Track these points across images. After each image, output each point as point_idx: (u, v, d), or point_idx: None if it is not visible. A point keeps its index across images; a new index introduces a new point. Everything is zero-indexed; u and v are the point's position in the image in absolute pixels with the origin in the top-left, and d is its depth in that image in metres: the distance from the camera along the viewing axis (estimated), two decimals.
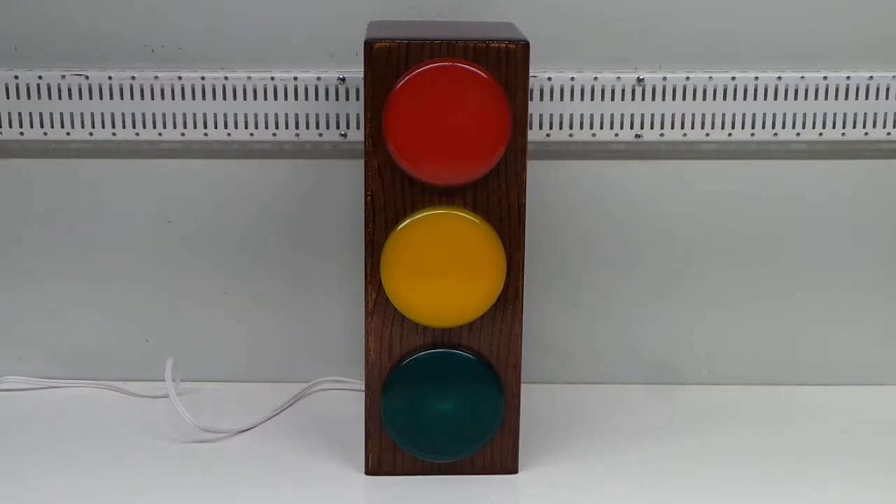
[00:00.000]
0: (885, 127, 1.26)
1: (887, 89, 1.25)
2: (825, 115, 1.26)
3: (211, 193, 1.29)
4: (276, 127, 1.25)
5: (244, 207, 1.29)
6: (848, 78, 1.25)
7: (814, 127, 1.26)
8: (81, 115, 1.24)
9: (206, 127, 1.25)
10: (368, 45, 1.05)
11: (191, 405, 1.23)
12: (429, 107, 1.05)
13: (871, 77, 1.25)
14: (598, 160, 1.28)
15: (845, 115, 1.26)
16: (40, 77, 1.23)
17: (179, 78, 1.24)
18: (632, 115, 1.25)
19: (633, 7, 1.24)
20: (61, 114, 1.24)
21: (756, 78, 1.24)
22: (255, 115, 1.25)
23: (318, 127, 1.25)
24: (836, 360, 1.35)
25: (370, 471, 1.15)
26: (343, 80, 1.24)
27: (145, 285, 1.32)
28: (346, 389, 1.32)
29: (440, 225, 1.09)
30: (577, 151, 1.28)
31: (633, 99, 1.25)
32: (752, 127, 1.26)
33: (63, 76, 1.23)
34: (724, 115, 1.25)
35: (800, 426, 1.26)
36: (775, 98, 1.25)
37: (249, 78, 1.24)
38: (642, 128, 1.26)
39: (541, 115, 1.25)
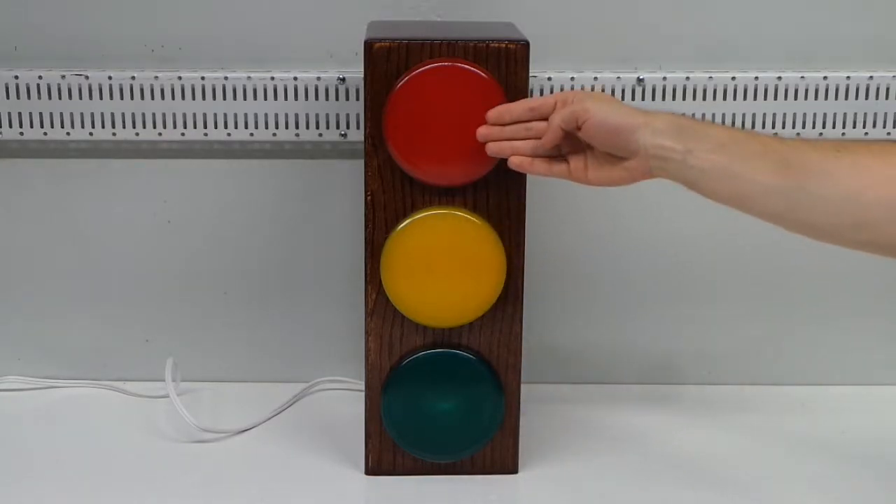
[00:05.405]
0: (885, 127, 1.26)
1: (887, 89, 1.25)
2: (825, 115, 1.26)
3: (211, 193, 1.29)
4: (276, 127, 1.25)
5: (244, 207, 1.29)
6: (848, 78, 1.25)
7: (814, 127, 1.26)
8: (81, 115, 1.24)
9: (206, 127, 1.25)
10: (368, 45, 1.05)
11: (191, 405, 1.23)
12: (429, 107, 1.05)
13: (871, 77, 1.25)
14: None
15: (845, 115, 1.26)
16: (40, 77, 1.23)
17: (179, 78, 1.23)
18: None
19: (633, 7, 1.24)
20: (61, 114, 1.24)
21: (756, 78, 1.24)
22: (255, 115, 1.25)
23: (318, 127, 1.25)
24: (834, 361, 1.35)
25: (370, 471, 1.15)
26: (343, 80, 1.24)
27: (145, 285, 1.32)
28: (346, 389, 1.32)
29: (440, 225, 1.09)
30: None
31: (633, 99, 1.25)
32: (752, 127, 1.26)
33: (63, 76, 1.23)
34: (724, 115, 1.25)
35: (799, 426, 1.25)
36: (775, 98, 1.25)
37: (249, 78, 1.24)
38: None
39: None
